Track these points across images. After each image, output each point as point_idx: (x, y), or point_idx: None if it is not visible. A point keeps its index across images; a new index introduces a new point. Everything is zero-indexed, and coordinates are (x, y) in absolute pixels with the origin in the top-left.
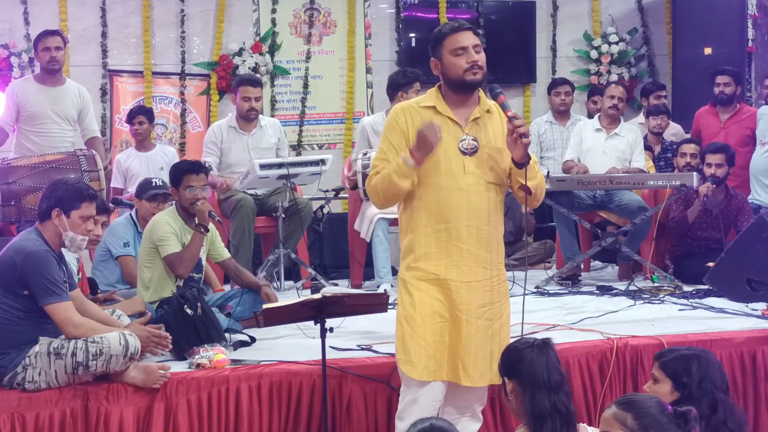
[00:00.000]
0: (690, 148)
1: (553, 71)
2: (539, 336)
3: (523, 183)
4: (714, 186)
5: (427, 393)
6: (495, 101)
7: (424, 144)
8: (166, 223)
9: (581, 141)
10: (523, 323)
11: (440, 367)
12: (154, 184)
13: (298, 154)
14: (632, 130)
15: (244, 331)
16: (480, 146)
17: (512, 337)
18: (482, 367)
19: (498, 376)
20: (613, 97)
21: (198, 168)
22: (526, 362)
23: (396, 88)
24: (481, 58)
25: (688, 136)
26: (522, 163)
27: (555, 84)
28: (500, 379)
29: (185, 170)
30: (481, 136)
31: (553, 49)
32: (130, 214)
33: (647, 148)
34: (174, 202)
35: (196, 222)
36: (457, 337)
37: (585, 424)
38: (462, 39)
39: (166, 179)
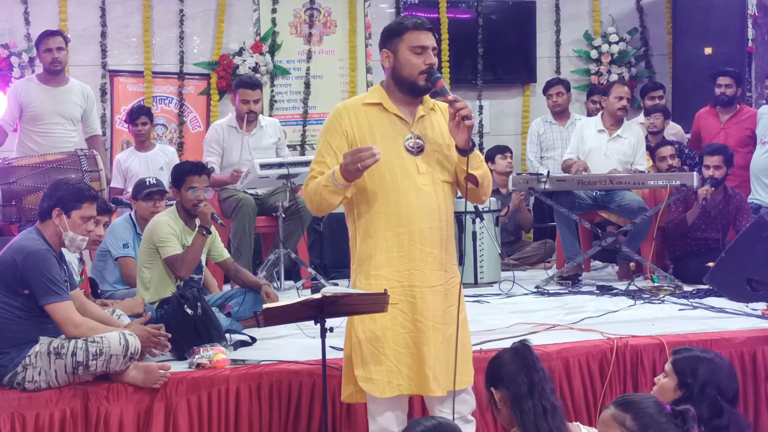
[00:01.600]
0: (667, 150)
1: (557, 71)
2: (550, 334)
3: (468, 172)
4: (713, 189)
5: (395, 409)
6: (434, 86)
7: (349, 171)
8: (167, 224)
9: (582, 140)
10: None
11: (408, 381)
12: (147, 183)
13: (302, 154)
14: (634, 132)
15: (244, 331)
16: (427, 145)
17: (487, 342)
18: (448, 373)
19: (462, 380)
20: (621, 98)
21: (200, 169)
22: (505, 367)
23: None
24: (435, 61)
25: (689, 136)
26: (466, 149)
27: (548, 86)
28: (463, 384)
29: (188, 171)
30: (428, 134)
31: (557, 50)
32: (130, 215)
33: (648, 148)
34: (175, 202)
35: (198, 224)
36: (424, 346)
37: (578, 423)
38: (423, 38)
39: (166, 179)
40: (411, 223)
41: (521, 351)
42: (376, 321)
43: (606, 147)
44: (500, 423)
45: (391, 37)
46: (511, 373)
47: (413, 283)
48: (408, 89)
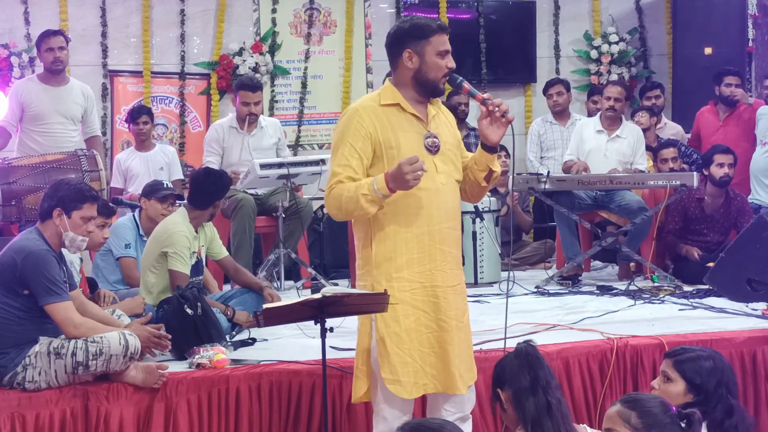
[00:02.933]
0: (669, 152)
1: (557, 71)
2: (550, 334)
3: (492, 168)
4: (698, 255)
5: (406, 412)
6: (460, 91)
7: (403, 182)
8: (185, 237)
9: (582, 141)
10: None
11: (432, 379)
12: (165, 186)
13: (295, 153)
14: (634, 132)
15: (244, 330)
16: (441, 144)
17: (487, 342)
18: (466, 370)
19: (471, 377)
20: (609, 98)
21: None
22: (508, 367)
23: None
24: (455, 65)
25: (689, 136)
26: (496, 147)
27: (547, 86)
28: (470, 381)
29: (229, 180)
30: (441, 134)
31: (557, 50)
32: (134, 215)
33: (648, 148)
34: (186, 204)
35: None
36: (449, 346)
37: (585, 425)
38: (446, 41)
39: (166, 179)
40: (431, 224)
41: (525, 349)
42: (400, 323)
43: (605, 147)
44: (499, 420)
45: (416, 38)
46: (515, 370)
47: (435, 283)
48: (429, 91)
